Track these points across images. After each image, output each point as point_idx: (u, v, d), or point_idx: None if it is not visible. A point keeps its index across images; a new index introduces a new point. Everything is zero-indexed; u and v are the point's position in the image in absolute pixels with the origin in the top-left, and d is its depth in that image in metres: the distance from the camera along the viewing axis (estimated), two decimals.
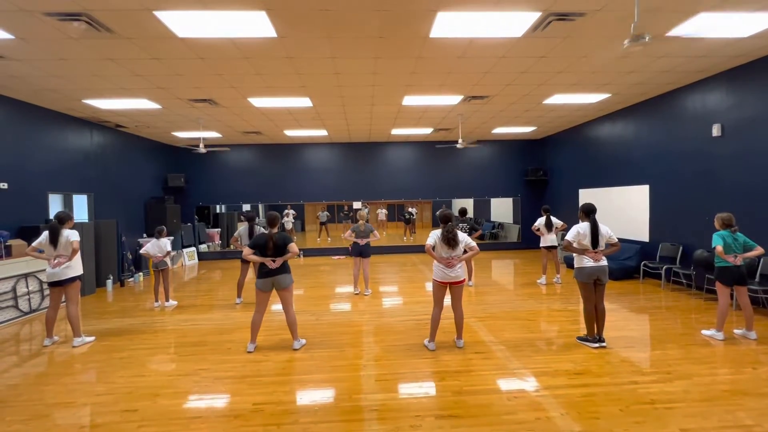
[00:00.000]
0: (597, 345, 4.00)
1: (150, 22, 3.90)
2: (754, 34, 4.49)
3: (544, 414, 2.81)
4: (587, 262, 3.96)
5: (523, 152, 11.71)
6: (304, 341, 4.30)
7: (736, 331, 4.34)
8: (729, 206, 5.67)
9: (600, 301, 4.03)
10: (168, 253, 6.03)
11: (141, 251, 6.10)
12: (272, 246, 3.96)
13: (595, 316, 4.03)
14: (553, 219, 7.06)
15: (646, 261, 7.05)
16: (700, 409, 2.84)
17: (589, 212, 4.04)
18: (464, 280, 3.97)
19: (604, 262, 3.98)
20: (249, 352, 4.07)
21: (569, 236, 4.03)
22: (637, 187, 7.61)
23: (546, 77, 5.92)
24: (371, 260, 6.70)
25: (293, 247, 4.03)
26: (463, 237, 3.92)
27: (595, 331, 4.06)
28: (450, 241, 3.84)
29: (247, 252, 4.00)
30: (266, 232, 4.07)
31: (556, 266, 7.22)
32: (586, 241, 3.96)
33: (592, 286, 4.00)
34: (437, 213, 4.04)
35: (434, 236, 3.94)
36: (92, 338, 4.61)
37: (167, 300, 6.15)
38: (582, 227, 4.01)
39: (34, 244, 4.40)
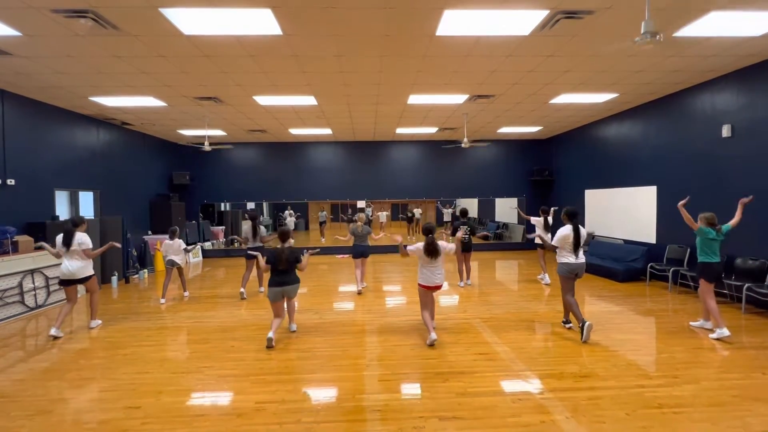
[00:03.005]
0: (567, 326, 4.62)
1: (156, 20, 3.90)
2: (767, 33, 4.41)
3: (548, 417, 2.78)
4: (570, 258, 4.35)
5: (528, 152, 11.64)
6: (295, 327, 4.69)
7: (692, 323, 4.63)
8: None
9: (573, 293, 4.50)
10: (185, 250, 6.31)
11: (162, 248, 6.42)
12: (284, 260, 4.24)
13: (575, 303, 4.36)
14: (550, 220, 7.03)
15: (652, 263, 6.96)
16: (708, 414, 2.79)
17: (572, 216, 4.40)
18: (442, 285, 4.29)
19: (582, 259, 4.39)
20: (269, 338, 4.12)
21: (555, 241, 4.43)
22: (645, 188, 7.52)
23: (553, 76, 5.86)
24: (369, 260, 7.07)
25: (303, 264, 4.40)
26: (442, 246, 4.18)
27: (563, 316, 4.72)
28: (432, 252, 4.11)
29: (263, 267, 4.36)
30: (278, 247, 4.33)
31: (542, 265, 7.23)
32: (568, 244, 4.33)
33: (573, 281, 4.43)
34: (423, 225, 4.42)
35: (417, 246, 4.18)
36: (100, 321, 5.10)
37: (185, 291, 6.53)
38: (566, 230, 4.35)
39: (52, 250, 4.70)
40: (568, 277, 4.40)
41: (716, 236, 4.31)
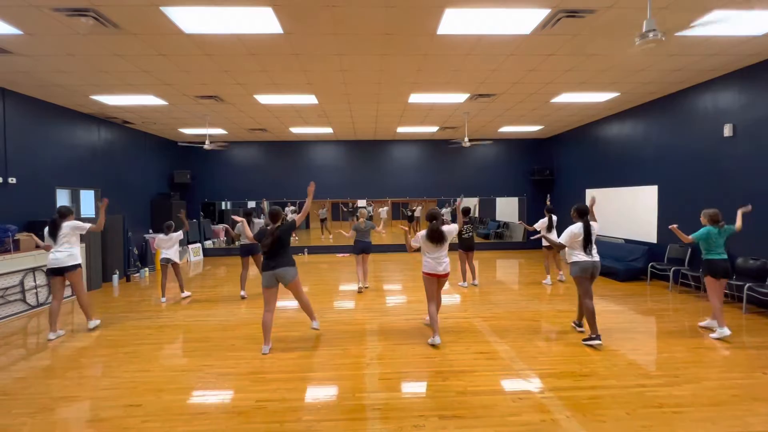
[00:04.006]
0: (578, 329, 4.38)
1: (157, 18, 3.90)
2: None
3: (549, 416, 2.78)
4: (581, 257, 4.11)
5: (529, 151, 11.62)
6: (317, 324, 4.41)
7: (700, 323, 4.56)
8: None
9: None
10: (182, 241, 6.16)
11: (155, 244, 6.25)
12: (276, 239, 3.89)
13: (594, 312, 4.11)
14: (554, 220, 6.99)
15: (653, 262, 6.96)
16: (709, 413, 2.79)
17: (583, 214, 4.19)
18: (448, 273, 4.15)
19: (596, 257, 4.12)
20: (264, 354, 3.93)
21: (563, 239, 4.20)
22: (646, 188, 7.51)
23: (554, 75, 5.85)
24: (371, 258, 6.94)
25: (297, 218, 4.14)
26: (448, 230, 4.04)
27: (576, 318, 4.48)
28: (436, 238, 3.97)
29: (249, 235, 4.30)
30: (269, 227, 4.01)
31: (557, 264, 7.22)
32: (578, 243, 4.12)
33: (589, 281, 4.14)
34: (427, 211, 4.24)
35: (418, 237, 4.10)
36: (98, 321, 4.96)
37: (182, 291, 6.34)
38: (576, 227, 4.15)
39: (43, 244, 4.64)
40: (582, 277, 4.13)
41: (719, 233, 4.24)
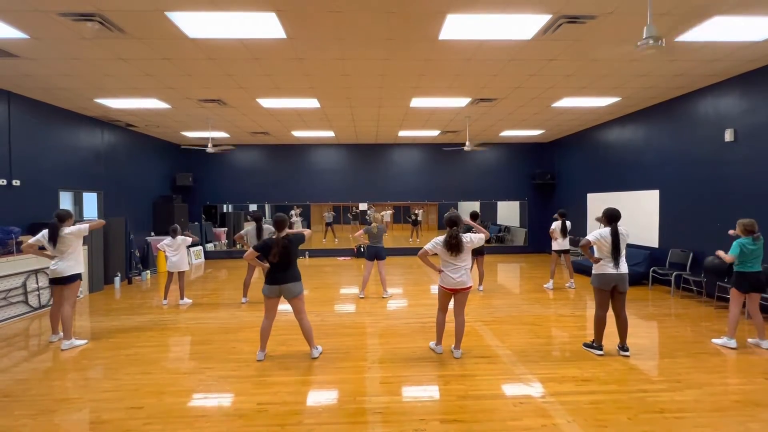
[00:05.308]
0: (623, 353, 3.93)
1: (161, 23, 3.94)
2: None
3: (550, 421, 2.77)
4: (606, 269, 3.83)
5: (530, 155, 11.65)
6: (321, 348, 4.08)
7: (749, 340, 4.26)
8: (741, 213, 5.56)
9: (621, 310, 3.92)
10: (187, 241, 6.08)
11: (159, 246, 6.16)
12: (281, 250, 3.65)
13: (604, 323, 3.96)
14: (568, 224, 6.97)
15: (655, 267, 6.95)
16: (711, 419, 2.79)
17: (612, 219, 3.83)
18: (471, 286, 3.79)
19: (624, 269, 3.84)
20: (259, 360, 3.86)
21: (591, 236, 3.89)
22: (647, 192, 7.51)
23: (555, 80, 5.87)
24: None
25: (307, 233, 3.95)
26: (467, 239, 3.71)
27: (618, 341, 4.00)
28: (453, 247, 3.62)
29: (250, 254, 3.72)
30: (273, 236, 3.77)
31: (570, 271, 7.16)
32: (606, 250, 3.82)
33: (608, 294, 3.90)
34: (445, 215, 3.82)
35: (434, 243, 3.75)
36: (83, 342, 4.43)
37: (182, 298, 6.16)
38: (604, 233, 3.84)
39: (31, 241, 4.31)
40: (602, 289, 3.88)
41: (752, 243, 3.98)
